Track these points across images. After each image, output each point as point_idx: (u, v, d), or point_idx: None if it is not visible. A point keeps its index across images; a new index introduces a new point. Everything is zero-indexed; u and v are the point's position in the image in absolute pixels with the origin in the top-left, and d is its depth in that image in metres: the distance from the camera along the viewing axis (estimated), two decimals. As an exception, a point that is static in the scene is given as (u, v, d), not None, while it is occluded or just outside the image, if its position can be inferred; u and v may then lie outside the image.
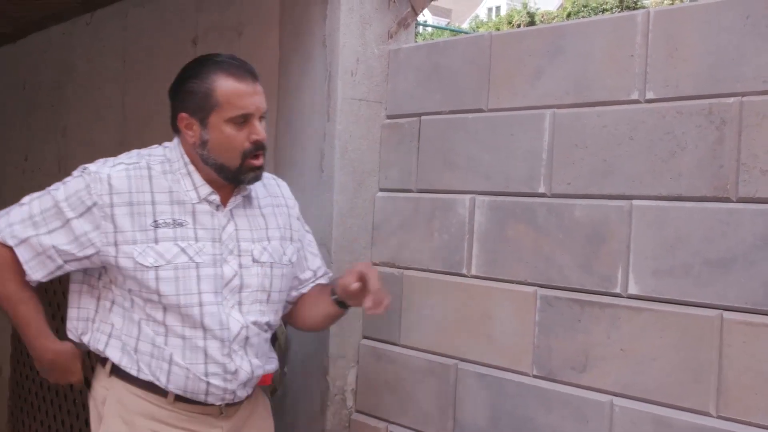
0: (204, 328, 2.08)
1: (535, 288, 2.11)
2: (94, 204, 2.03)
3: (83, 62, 4.16)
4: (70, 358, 2.19)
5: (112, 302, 2.13)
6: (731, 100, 1.78)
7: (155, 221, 2.06)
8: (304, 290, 2.35)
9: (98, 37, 4.00)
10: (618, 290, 1.95)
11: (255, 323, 2.15)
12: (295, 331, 2.61)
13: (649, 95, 1.92)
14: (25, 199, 2.10)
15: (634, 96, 1.95)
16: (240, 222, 2.17)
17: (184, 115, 2.09)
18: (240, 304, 2.14)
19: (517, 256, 2.16)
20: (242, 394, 2.17)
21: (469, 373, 2.25)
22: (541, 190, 2.11)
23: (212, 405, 2.14)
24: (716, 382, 1.78)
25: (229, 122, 2.06)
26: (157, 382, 2.10)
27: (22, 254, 2.07)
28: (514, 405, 2.14)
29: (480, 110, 2.27)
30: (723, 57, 1.80)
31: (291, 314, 2.38)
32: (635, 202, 1.92)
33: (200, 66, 2.10)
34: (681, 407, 1.83)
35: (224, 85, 2.05)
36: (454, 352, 2.30)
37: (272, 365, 2.28)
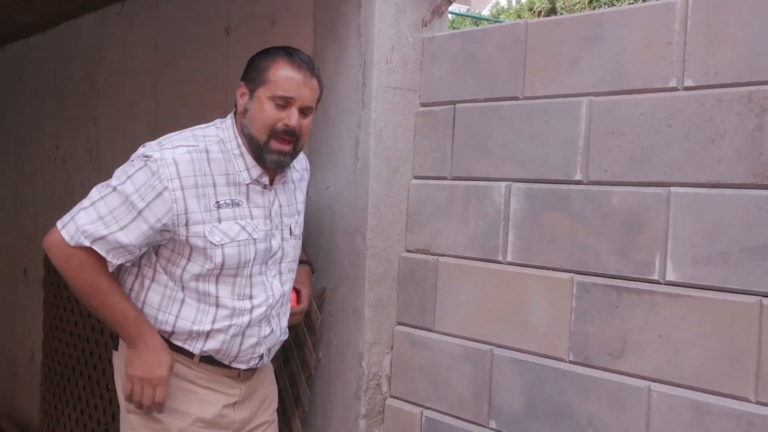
0: (251, 297, 2.27)
1: (572, 275, 2.13)
2: (165, 188, 2.11)
3: (114, 52, 4.20)
4: (166, 351, 2.22)
5: (152, 280, 2.25)
6: (771, 87, 1.78)
7: (217, 202, 2.19)
8: None
9: (129, 26, 4.03)
10: (656, 277, 1.96)
11: (288, 291, 2.39)
12: (330, 319, 2.64)
13: (688, 83, 1.93)
14: (91, 198, 2.14)
15: (672, 84, 1.95)
16: (282, 198, 2.35)
17: (242, 83, 2.25)
18: (280, 273, 2.35)
19: (553, 243, 2.17)
20: (266, 360, 2.40)
21: (505, 359, 2.27)
22: (578, 177, 2.12)
23: (234, 368, 2.31)
24: (755, 367, 1.79)
25: (270, 99, 2.19)
26: (186, 347, 2.26)
27: (99, 249, 2.13)
28: (551, 391, 2.16)
29: (515, 98, 2.28)
30: (763, 44, 1.81)
31: None
32: (673, 189, 1.93)
33: (273, 48, 2.24)
34: (719, 393, 1.84)
35: (280, 67, 2.19)
36: (489, 338, 2.32)
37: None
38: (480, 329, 2.35)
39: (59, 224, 2.16)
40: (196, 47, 3.47)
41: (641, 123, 2.00)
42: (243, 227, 2.22)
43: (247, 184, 2.24)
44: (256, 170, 2.24)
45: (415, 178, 2.58)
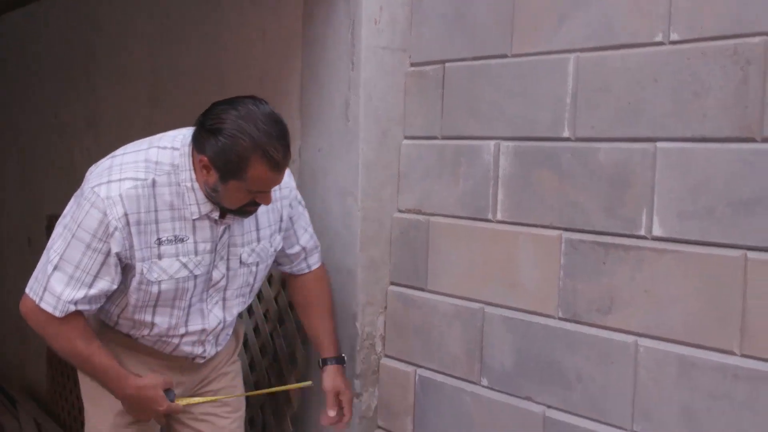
0: (186, 324, 2.30)
1: (560, 232, 2.13)
2: (116, 228, 2.10)
3: (112, 19, 4.19)
4: (151, 388, 2.25)
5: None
6: (756, 39, 1.77)
7: (158, 239, 2.15)
8: (296, 268, 2.50)
9: (126, -7, 4.02)
10: (642, 232, 1.96)
11: (235, 315, 2.39)
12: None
13: (674, 37, 1.91)
14: (53, 256, 2.14)
15: (658, 38, 1.94)
16: (234, 228, 2.26)
17: (205, 160, 2.09)
18: (224, 300, 2.32)
19: (542, 201, 2.17)
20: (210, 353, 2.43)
21: (496, 317, 2.28)
22: (566, 134, 2.12)
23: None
24: (740, 321, 1.79)
25: (246, 190, 2.11)
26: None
27: (83, 307, 2.16)
28: (540, 347, 2.17)
29: (504, 56, 2.27)
30: (748, -4, 1.79)
31: (291, 295, 2.63)
32: (659, 144, 1.93)
33: (240, 133, 2.02)
34: (705, 347, 1.85)
35: (257, 169, 2.05)
36: (480, 296, 2.33)
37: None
38: (471, 288, 2.36)
39: (33, 295, 2.17)
40: (193, 15, 3.46)
41: (628, 79, 1.99)
42: (184, 264, 2.19)
43: (194, 220, 2.18)
44: (206, 206, 2.17)
45: (406, 138, 2.58)
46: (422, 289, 2.50)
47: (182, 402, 2.32)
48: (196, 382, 2.46)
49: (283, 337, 2.80)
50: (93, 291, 2.14)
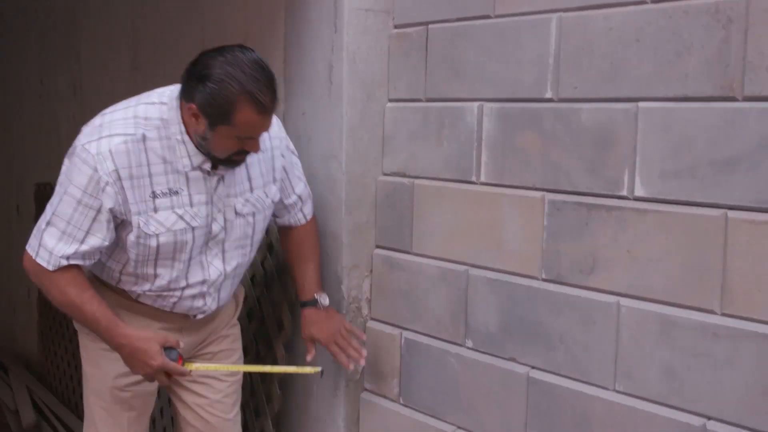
0: (187, 277, 2.30)
1: (543, 193, 2.13)
2: (107, 183, 2.12)
3: (93, -18, 4.15)
4: (144, 340, 2.24)
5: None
6: (738, -3, 1.76)
7: (153, 192, 2.17)
8: (293, 219, 2.51)
9: (106, -44, 3.97)
10: (624, 193, 1.96)
11: (236, 266, 2.38)
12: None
13: (656, -5, 1.90)
14: (48, 212, 2.18)
15: (641, -3, 1.93)
16: (227, 179, 2.27)
17: (194, 107, 2.11)
18: (223, 252, 2.33)
19: (525, 162, 2.17)
20: (211, 309, 2.42)
21: (480, 278, 2.29)
22: (548, 95, 2.11)
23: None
24: (721, 280, 1.80)
25: (235, 136, 2.12)
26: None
27: (76, 261, 2.18)
28: (524, 309, 2.18)
29: (487, 16, 2.26)
30: (730, -47, 1.78)
31: (285, 247, 2.60)
32: (641, 104, 1.92)
33: (227, 78, 2.05)
34: (686, 306, 1.86)
35: (245, 112, 2.07)
36: (464, 258, 2.34)
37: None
38: (455, 250, 2.36)
39: (30, 251, 2.21)
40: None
41: (610, 38, 1.98)
42: (180, 216, 2.21)
43: (188, 171, 2.20)
44: (198, 157, 2.19)
45: (390, 101, 2.57)
46: (407, 252, 2.50)
47: (191, 367, 2.31)
48: (196, 344, 2.46)
49: (270, 303, 2.81)
50: (84, 247, 2.16)
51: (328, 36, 2.52)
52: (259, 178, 2.35)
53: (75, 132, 2.25)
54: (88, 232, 2.15)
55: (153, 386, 2.45)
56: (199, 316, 2.40)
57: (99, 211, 2.14)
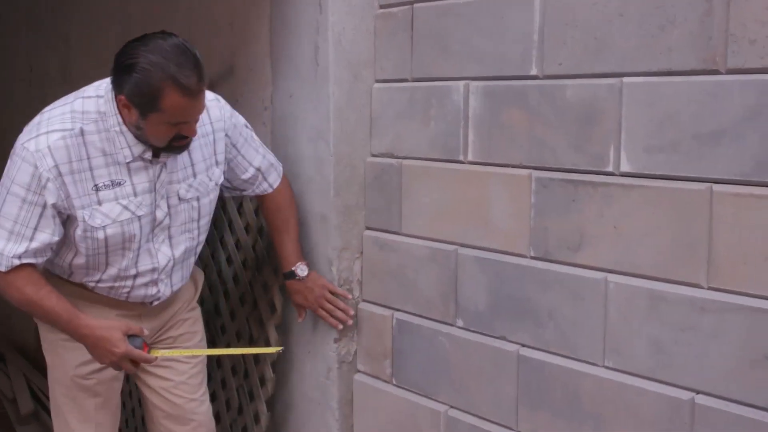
0: (137, 266, 2.32)
1: (530, 171, 2.13)
2: (48, 180, 2.12)
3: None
4: (105, 329, 2.25)
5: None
6: (720, -31, 1.75)
7: (96, 185, 2.19)
8: (258, 189, 2.54)
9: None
10: (610, 169, 1.95)
11: (185, 251, 2.40)
12: (299, 227, 2.65)
13: (639, -31, 1.89)
14: None
15: (624, -29, 1.91)
16: (169, 165, 2.28)
17: (123, 98, 2.12)
18: (170, 237, 2.35)
19: (512, 140, 2.16)
20: (166, 295, 2.45)
21: (469, 258, 2.29)
22: (533, 72, 2.10)
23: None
24: (707, 254, 1.80)
25: (167, 123, 2.13)
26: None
27: (29, 260, 2.18)
28: (513, 287, 2.18)
29: (471, -6, 2.24)
30: (712, -75, 1.76)
31: (264, 217, 2.67)
32: (626, 79, 1.91)
33: (149, 65, 2.05)
34: (673, 281, 1.86)
35: (171, 98, 2.07)
36: (453, 238, 2.33)
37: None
38: (444, 230, 2.36)
39: None
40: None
41: (594, 13, 1.97)
42: (125, 207, 2.23)
43: (128, 162, 2.21)
44: (138, 147, 2.20)
45: (377, 81, 2.55)
46: (397, 233, 2.50)
47: (156, 353, 2.33)
48: (156, 329, 2.49)
49: (262, 285, 2.81)
50: (35, 244, 2.17)
51: (313, 17, 2.51)
52: (202, 163, 2.36)
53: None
54: (36, 229, 2.16)
55: (115, 372, 2.45)
56: (155, 303, 2.43)
57: (44, 207, 2.15)
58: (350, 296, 2.59)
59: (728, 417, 1.76)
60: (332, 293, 2.55)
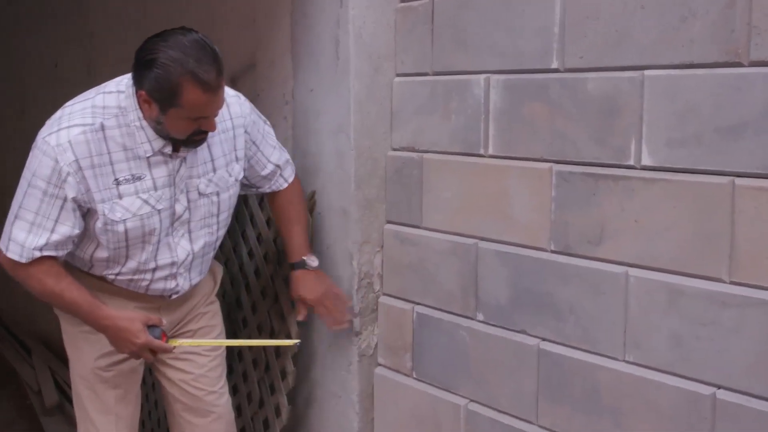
0: (156, 259, 2.34)
1: (551, 164, 2.12)
2: (68, 174, 2.15)
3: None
4: (126, 320, 2.28)
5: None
6: (743, -40, 1.73)
7: (116, 179, 2.20)
8: (275, 186, 2.55)
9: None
10: (631, 162, 1.94)
11: (204, 245, 2.42)
12: (320, 221, 2.66)
13: (661, -40, 1.87)
14: (14, 207, 2.21)
15: (646, -37, 1.90)
16: (189, 160, 2.30)
17: (144, 94, 2.13)
18: (189, 232, 2.36)
19: (533, 134, 2.16)
20: (184, 289, 2.47)
21: (489, 251, 2.28)
22: (554, 65, 2.09)
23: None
24: (728, 248, 1.79)
25: (187, 117, 2.14)
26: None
27: (49, 252, 2.21)
28: (533, 281, 2.17)
29: (492, -13, 2.24)
30: None
31: (270, 208, 2.66)
32: (647, 72, 1.90)
33: (169, 61, 2.07)
34: (694, 275, 1.85)
35: (191, 93, 2.08)
36: (474, 231, 2.33)
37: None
38: (465, 224, 2.36)
39: (1, 246, 2.24)
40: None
41: (615, 5, 1.96)
42: (145, 201, 2.24)
43: (149, 157, 2.22)
44: (158, 142, 2.22)
45: (398, 75, 2.56)
46: (417, 227, 2.50)
47: (174, 343, 2.36)
48: (175, 323, 2.51)
49: (284, 279, 2.82)
50: (55, 236, 2.19)
51: (333, 11, 2.51)
52: (222, 158, 2.37)
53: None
54: (57, 221, 2.18)
55: (135, 363, 2.48)
56: (174, 296, 2.45)
57: (65, 200, 2.17)
58: (350, 302, 2.58)
59: (750, 412, 1.75)
60: (335, 295, 2.55)
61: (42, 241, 2.18)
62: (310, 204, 2.68)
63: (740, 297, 1.76)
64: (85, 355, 2.44)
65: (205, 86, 2.08)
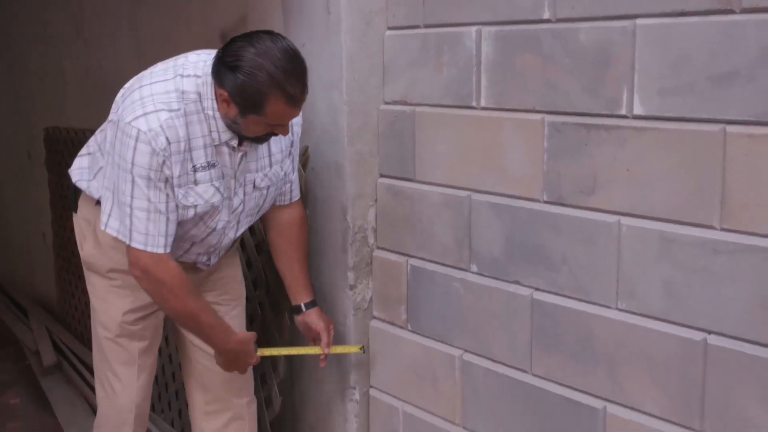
0: (203, 241, 2.40)
1: (543, 115, 2.12)
2: (164, 158, 2.16)
3: None
4: (248, 343, 2.45)
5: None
6: None
7: (194, 166, 2.22)
8: (287, 197, 2.54)
9: None
10: (623, 112, 1.95)
11: (242, 232, 2.49)
12: (314, 176, 2.66)
13: None
14: (125, 199, 2.20)
15: None
16: (249, 154, 2.32)
17: (225, 94, 2.14)
18: (238, 223, 2.44)
19: (525, 85, 2.16)
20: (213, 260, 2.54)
21: (483, 203, 2.30)
22: (546, 15, 2.09)
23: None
24: (720, 195, 1.80)
25: (265, 123, 2.17)
26: None
27: (169, 239, 2.24)
28: (527, 232, 2.19)
29: (483, -62, 2.22)
30: None
31: (270, 238, 2.62)
32: (639, 20, 1.90)
33: (258, 70, 2.07)
34: (686, 223, 1.86)
35: (275, 105, 2.11)
36: (467, 184, 2.34)
37: None
38: (458, 176, 2.37)
39: (123, 238, 2.24)
40: None
41: (607, -46, 1.95)
42: (217, 188, 2.28)
43: (217, 146, 2.24)
44: (226, 134, 2.24)
45: (389, 29, 2.55)
46: (411, 180, 2.51)
47: (261, 353, 2.53)
48: (204, 277, 2.55)
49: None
50: (171, 216, 2.22)
51: (324, -36, 2.50)
52: (279, 154, 2.41)
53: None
54: (167, 203, 2.20)
55: (160, 318, 2.54)
56: (202, 268, 2.50)
57: (166, 182, 2.19)
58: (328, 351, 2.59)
59: (741, 357, 1.78)
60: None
61: (162, 227, 2.21)
62: (303, 159, 2.68)
63: (731, 244, 1.77)
64: (113, 307, 2.47)
65: (291, 100, 2.11)
